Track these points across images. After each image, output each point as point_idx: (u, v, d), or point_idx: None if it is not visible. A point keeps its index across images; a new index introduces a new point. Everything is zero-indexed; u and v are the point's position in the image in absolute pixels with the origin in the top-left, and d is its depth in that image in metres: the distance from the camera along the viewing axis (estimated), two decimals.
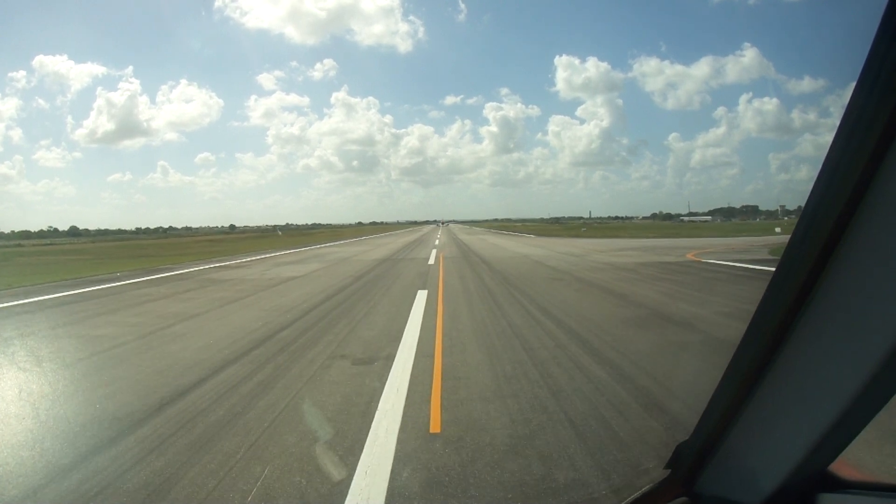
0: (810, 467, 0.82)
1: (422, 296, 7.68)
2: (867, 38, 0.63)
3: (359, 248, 25.36)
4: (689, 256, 15.49)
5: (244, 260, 18.58)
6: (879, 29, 0.61)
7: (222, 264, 16.71)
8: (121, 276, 13.50)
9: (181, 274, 13.43)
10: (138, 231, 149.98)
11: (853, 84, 0.65)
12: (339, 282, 10.08)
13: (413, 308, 6.61)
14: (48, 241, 70.98)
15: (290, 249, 25.51)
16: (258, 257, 19.90)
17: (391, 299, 7.54)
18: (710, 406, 0.97)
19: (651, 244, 22.34)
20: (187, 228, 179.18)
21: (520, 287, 8.55)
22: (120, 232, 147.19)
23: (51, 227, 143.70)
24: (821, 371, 0.76)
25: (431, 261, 14.86)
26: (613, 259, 14.44)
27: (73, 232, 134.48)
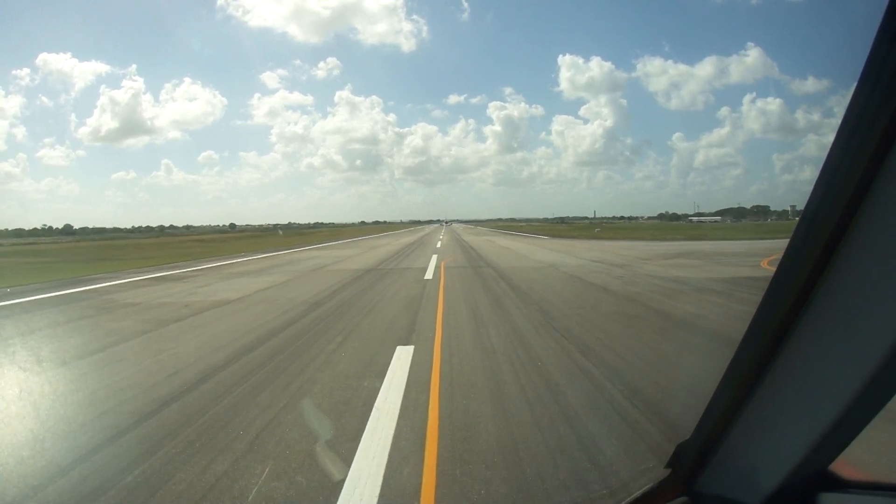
0: (811, 467, 0.81)
1: (400, 366, 3.94)
2: (869, 39, 0.62)
3: (348, 251, 21.70)
4: (766, 265, 11.81)
5: (200, 267, 15.04)
6: (880, 30, 0.61)
7: (166, 273, 13.22)
8: (11, 291, 10.06)
9: (90, 291, 9.87)
10: (134, 230, 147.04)
11: (855, 85, 0.65)
12: (280, 316, 6.39)
13: (372, 418, 2.89)
14: (32, 241, 67.62)
15: (268, 252, 21.99)
16: (221, 263, 16.38)
17: (340, 375, 3.79)
18: (711, 406, 0.95)
19: (693, 248, 18.55)
20: (188, 227, 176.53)
21: (581, 339, 4.80)
22: (116, 230, 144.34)
23: (45, 225, 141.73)
24: (821, 371, 0.75)
25: (429, 273, 11.13)
26: (674, 272, 10.68)
27: (68, 230, 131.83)
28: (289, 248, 26.50)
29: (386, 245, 26.63)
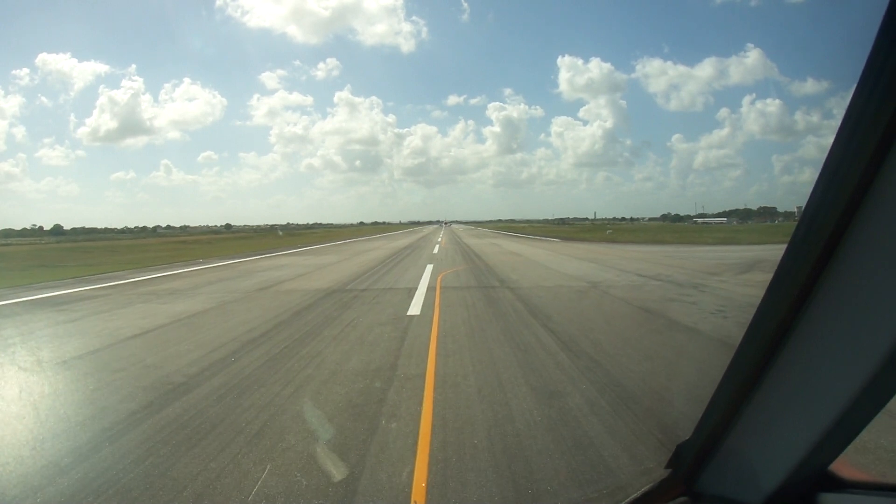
0: (811, 467, 0.81)
1: None
2: (869, 39, 0.61)
3: (327, 257, 18.02)
4: None
5: (127, 280, 11.49)
6: (880, 30, 0.60)
7: (66, 292, 9.65)
8: None
9: None
10: (125, 230, 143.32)
11: (855, 85, 0.64)
12: (24, 460, 2.69)
13: None
14: (7, 243, 63.87)
15: (236, 258, 18.51)
16: (160, 275, 12.94)
17: None
18: (711, 405, 0.95)
19: (751, 255, 14.81)
20: (184, 227, 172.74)
21: None
22: (107, 231, 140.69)
23: (34, 225, 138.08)
24: (821, 371, 0.75)
25: (417, 301, 7.41)
26: None
27: (57, 231, 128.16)
28: (266, 251, 22.93)
29: (375, 249, 22.93)
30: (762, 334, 0.80)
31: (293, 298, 7.86)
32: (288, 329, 5.52)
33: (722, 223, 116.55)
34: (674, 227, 72.19)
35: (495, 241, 28.84)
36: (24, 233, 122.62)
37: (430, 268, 12.62)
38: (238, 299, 8.09)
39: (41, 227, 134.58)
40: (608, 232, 44.23)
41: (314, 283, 9.86)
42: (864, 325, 0.66)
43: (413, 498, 2.07)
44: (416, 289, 8.62)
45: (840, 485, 0.82)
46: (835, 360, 0.71)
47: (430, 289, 8.62)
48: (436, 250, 20.77)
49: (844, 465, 0.82)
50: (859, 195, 0.64)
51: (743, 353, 0.85)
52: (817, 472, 0.82)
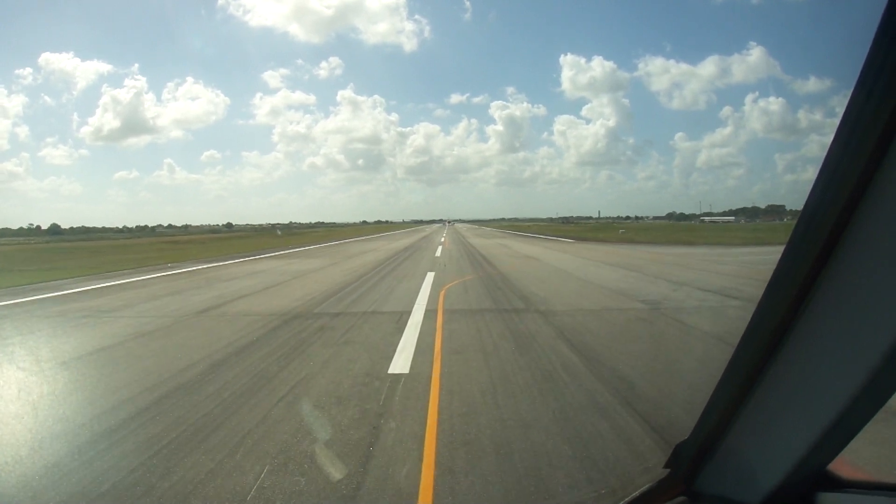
0: (810, 466, 0.79)
1: None
2: (870, 38, 0.60)
3: (314, 261, 15.75)
4: None
5: (61, 293, 9.24)
6: (879, 29, 0.60)
7: None
8: None
9: None
10: (123, 230, 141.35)
11: (855, 84, 0.63)
12: None
13: None
14: None
15: (214, 262, 16.57)
16: (106, 284, 10.83)
17: None
18: (710, 405, 0.92)
19: None
20: (185, 226, 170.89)
21: None
22: (105, 230, 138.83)
23: (31, 224, 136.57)
24: (820, 370, 0.74)
25: (405, 348, 5.03)
26: None
27: (55, 230, 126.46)
28: (254, 253, 20.85)
29: (371, 251, 20.60)
30: (761, 334, 0.79)
31: (232, 331, 5.51)
32: (179, 408, 3.16)
33: (729, 222, 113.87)
34: (686, 227, 69.44)
35: (504, 242, 26.44)
36: (20, 232, 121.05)
37: (430, 277, 10.25)
38: (161, 329, 5.75)
39: (38, 227, 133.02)
40: (621, 231, 41.64)
41: (277, 302, 7.50)
42: (863, 324, 0.65)
43: None
44: (409, 314, 6.24)
45: (839, 484, 0.80)
46: (834, 359, 0.70)
47: (429, 313, 6.26)
48: (438, 253, 18.41)
49: (843, 465, 0.79)
50: (858, 194, 0.63)
51: (742, 352, 0.83)
52: (816, 472, 0.81)
